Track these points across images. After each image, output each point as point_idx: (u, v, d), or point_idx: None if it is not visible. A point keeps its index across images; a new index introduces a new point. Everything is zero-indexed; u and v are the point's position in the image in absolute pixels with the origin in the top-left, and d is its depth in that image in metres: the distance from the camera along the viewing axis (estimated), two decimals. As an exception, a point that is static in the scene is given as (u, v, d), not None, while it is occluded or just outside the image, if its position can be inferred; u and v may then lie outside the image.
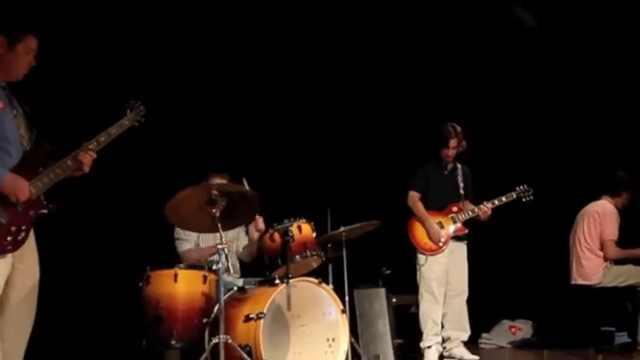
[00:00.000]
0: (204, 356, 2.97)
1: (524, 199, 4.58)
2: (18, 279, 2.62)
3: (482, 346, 5.90)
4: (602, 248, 4.62)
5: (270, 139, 5.35)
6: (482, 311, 4.98)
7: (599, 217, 4.66)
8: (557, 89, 5.83)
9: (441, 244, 4.40)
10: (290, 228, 3.58)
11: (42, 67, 2.73)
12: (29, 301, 2.67)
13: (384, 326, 4.69)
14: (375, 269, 5.15)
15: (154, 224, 3.64)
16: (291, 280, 3.27)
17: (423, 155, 4.74)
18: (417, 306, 4.57)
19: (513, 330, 6.03)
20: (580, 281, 4.65)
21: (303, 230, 3.66)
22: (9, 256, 2.52)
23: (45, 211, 2.63)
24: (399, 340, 4.99)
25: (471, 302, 4.59)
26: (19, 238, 2.50)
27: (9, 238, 2.47)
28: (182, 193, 3.26)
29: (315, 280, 3.41)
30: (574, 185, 5.26)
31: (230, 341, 3.00)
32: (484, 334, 6.02)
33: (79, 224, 4.00)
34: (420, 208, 4.47)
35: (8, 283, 2.57)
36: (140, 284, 3.48)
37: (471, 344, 4.78)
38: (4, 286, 2.55)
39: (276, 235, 3.64)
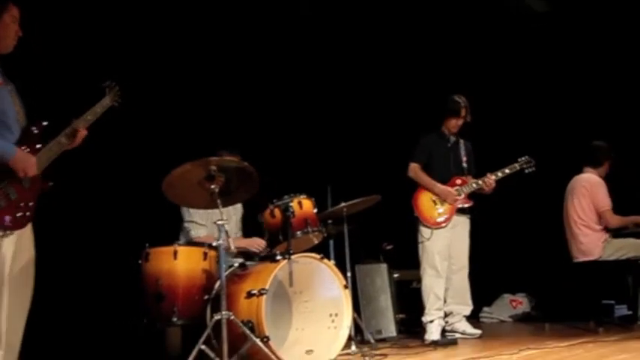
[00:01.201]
0: (206, 333, 2.94)
1: (526, 171, 4.53)
2: (17, 255, 2.63)
3: (484, 319, 5.92)
4: (598, 222, 4.57)
5: (269, 116, 5.28)
6: (483, 285, 4.96)
7: (587, 191, 4.60)
8: (545, 63, 5.80)
9: (457, 203, 4.35)
10: (290, 204, 3.52)
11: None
12: (27, 277, 2.68)
13: (385, 301, 4.69)
14: (377, 244, 5.13)
15: (154, 201, 3.59)
16: (292, 256, 3.23)
17: (422, 128, 4.68)
18: (419, 281, 4.56)
19: (514, 304, 6.04)
20: (581, 258, 4.60)
21: (303, 206, 3.60)
22: (15, 233, 2.55)
23: (45, 187, 2.65)
24: (400, 315, 4.99)
25: (471, 276, 4.57)
26: (27, 213, 2.54)
27: (18, 214, 2.50)
28: (179, 169, 3.19)
29: (317, 256, 3.37)
30: (570, 157, 5.22)
31: (232, 317, 2.96)
32: (485, 308, 6.03)
33: (76, 201, 3.93)
34: (423, 177, 4.42)
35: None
36: (140, 262, 3.45)
37: (472, 318, 4.78)
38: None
39: (277, 211, 3.58)
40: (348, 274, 4.12)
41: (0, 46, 2.64)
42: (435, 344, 4.01)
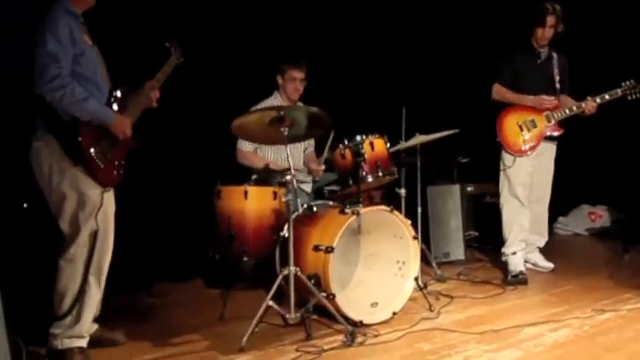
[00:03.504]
0: (276, 284, 3.02)
1: (629, 97, 4.01)
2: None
3: (558, 231, 5.72)
4: None
5: (342, 34, 4.86)
6: (561, 192, 4.68)
7: None
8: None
9: (546, 130, 4.01)
10: (361, 146, 3.36)
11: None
12: (112, 228, 2.87)
13: (456, 224, 4.62)
14: (451, 162, 4.92)
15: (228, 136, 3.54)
16: (362, 211, 3.16)
17: (507, 42, 4.17)
18: (493, 195, 4.40)
19: (593, 216, 5.76)
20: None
21: (375, 147, 3.43)
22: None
23: (134, 145, 2.82)
24: (472, 232, 4.92)
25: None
26: (121, 171, 2.76)
27: (115, 172, 2.72)
28: (248, 116, 3.11)
29: (387, 208, 3.27)
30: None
31: (299, 273, 3.01)
32: (560, 218, 5.79)
33: (156, 138, 3.93)
34: (509, 93, 4.03)
35: None
36: (212, 198, 3.50)
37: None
38: None
39: (347, 153, 3.45)
40: (419, 209, 4.02)
41: (87, 2, 2.71)
42: (505, 283, 3.94)
